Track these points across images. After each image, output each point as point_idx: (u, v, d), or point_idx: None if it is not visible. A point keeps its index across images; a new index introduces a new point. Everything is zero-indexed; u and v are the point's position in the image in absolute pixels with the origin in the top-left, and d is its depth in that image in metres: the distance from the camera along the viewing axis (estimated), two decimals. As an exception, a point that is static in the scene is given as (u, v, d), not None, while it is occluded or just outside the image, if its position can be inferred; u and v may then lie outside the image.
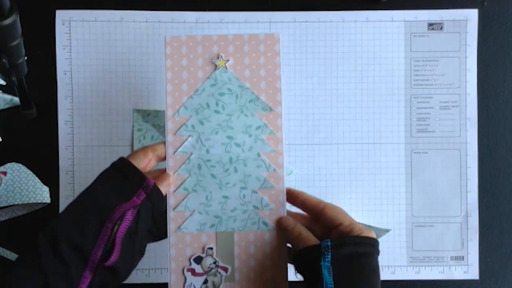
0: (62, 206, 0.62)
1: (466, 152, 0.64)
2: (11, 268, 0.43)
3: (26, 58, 0.50)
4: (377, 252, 0.46)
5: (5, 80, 0.56)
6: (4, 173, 0.60)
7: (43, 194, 0.60)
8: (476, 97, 0.64)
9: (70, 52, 0.62)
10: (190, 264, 0.49)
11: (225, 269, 0.49)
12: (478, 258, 0.63)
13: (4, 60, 0.46)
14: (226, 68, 0.50)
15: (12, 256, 0.61)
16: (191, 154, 0.50)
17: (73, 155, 0.62)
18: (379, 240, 0.62)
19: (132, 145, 0.62)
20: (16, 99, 0.61)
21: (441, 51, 0.64)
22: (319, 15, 0.63)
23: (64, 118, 0.62)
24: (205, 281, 0.49)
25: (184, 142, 0.50)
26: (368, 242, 0.45)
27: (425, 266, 0.63)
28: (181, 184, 0.50)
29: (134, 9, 0.62)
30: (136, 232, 0.45)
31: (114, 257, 0.44)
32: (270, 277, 0.49)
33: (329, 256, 0.44)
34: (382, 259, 0.63)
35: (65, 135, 0.62)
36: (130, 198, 0.45)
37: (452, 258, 0.63)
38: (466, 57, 0.64)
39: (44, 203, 0.61)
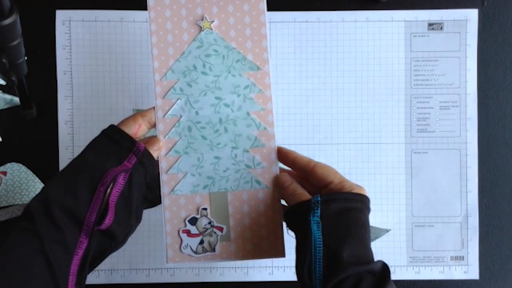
0: (62, 206, 0.62)
1: (466, 152, 0.64)
2: (6, 233, 0.42)
3: (26, 58, 0.50)
4: (368, 209, 0.46)
5: (5, 80, 0.56)
6: (4, 173, 0.60)
7: (43, 194, 0.60)
8: (476, 97, 0.64)
9: (70, 52, 0.62)
10: (185, 225, 0.50)
11: (220, 229, 0.50)
12: (478, 258, 0.63)
13: (4, 60, 0.46)
14: (211, 29, 0.50)
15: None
16: (181, 117, 0.50)
17: (73, 155, 0.62)
18: (379, 240, 0.62)
19: (132, 145, 0.62)
20: (16, 99, 0.61)
21: (441, 51, 0.64)
22: (319, 15, 0.63)
23: (64, 118, 0.62)
24: (201, 242, 0.50)
25: (173, 105, 0.50)
26: (358, 198, 0.46)
27: (425, 266, 0.63)
28: (172, 147, 0.50)
29: (134, 9, 0.62)
30: (130, 197, 0.45)
31: (108, 221, 0.44)
32: (265, 234, 0.49)
33: (319, 211, 0.44)
34: (382, 259, 0.63)
35: (65, 135, 0.62)
36: (121, 162, 0.45)
37: (452, 258, 0.63)
38: (466, 57, 0.64)
39: (44, 203, 0.61)
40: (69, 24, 0.62)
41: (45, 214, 0.42)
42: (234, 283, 0.62)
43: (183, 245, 0.49)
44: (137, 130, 0.48)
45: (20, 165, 0.60)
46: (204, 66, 0.50)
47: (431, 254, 0.63)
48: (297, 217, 0.46)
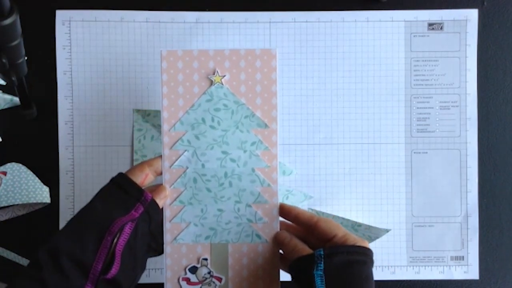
0: (62, 206, 0.62)
1: (466, 152, 0.64)
2: (12, 281, 0.43)
3: (26, 58, 0.50)
4: (371, 261, 0.47)
5: (5, 80, 0.56)
6: (4, 173, 0.60)
7: (43, 194, 0.60)
8: (476, 97, 0.64)
9: (70, 52, 0.62)
10: (186, 273, 0.51)
11: (219, 279, 0.50)
12: (478, 258, 0.63)
13: (4, 60, 0.46)
14: (222, 84, 0.50)
15: (11, 256, 0.61)
16: (187, 168, 0.50)
17: (73, 155, 0.62)
18: (379, 240, 0.62)
19: (132, 145, 0.62)
20: (16, 99, 0.61)
21: (441, 51, 0.64)
22: (319, 15, 0.63)
23: (64, 118, 0.62)
24: None
25: (180, 156, 0.50)
26: (361, 251, 0.46)
27: (425, 266, 0.63)
28: (177, 197, 0.50)
29: (134, 9, 0.62)
30: (135, 245, 0.46)
31: (114, 270, 0.44)
32: (262, 286, 0.50)
33: (322, 265, 0.44)
34: (382, 259, 0.63)
35: (65, 135, 0.62)
36: (128, 211, 0.46)
37: (452, 258, 0.63)
38: (466, 57, 0.64)
39: (44, 203, 0.61)
40: (69, 24, 0.62)
41: (52, 262, 0.43)
42: (234, 283, 0.62)
43: None
44: (144, 179, 0.49)
45: (20, 165, 0.60)
46: (212, 120, 0.50)
47: (431, 254, 0.63)
48: (300, 270, 0.47)
